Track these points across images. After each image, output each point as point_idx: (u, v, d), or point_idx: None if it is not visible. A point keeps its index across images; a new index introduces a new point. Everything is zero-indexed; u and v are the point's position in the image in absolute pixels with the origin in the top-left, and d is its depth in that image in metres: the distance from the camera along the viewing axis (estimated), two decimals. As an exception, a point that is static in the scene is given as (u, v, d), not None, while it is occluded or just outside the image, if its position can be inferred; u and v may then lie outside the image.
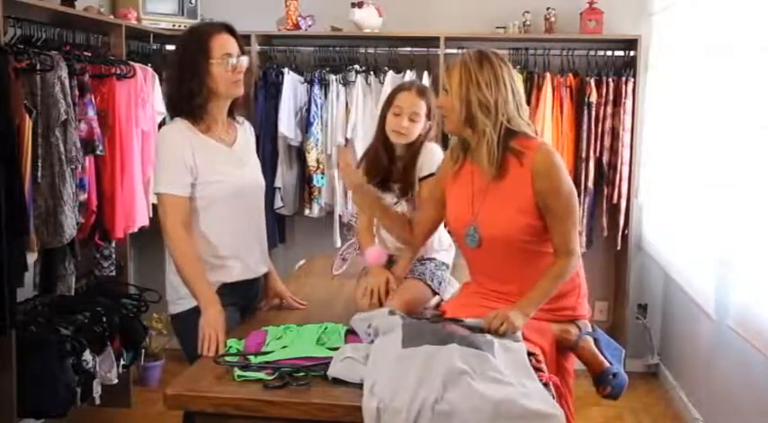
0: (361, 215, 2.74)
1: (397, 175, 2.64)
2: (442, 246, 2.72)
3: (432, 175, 2.58)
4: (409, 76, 4.24)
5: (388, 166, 2.64)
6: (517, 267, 2.27)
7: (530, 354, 1.97)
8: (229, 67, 2.34)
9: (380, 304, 2.42)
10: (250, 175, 2.49)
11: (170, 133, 2.39)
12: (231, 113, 2.49)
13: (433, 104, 2.60)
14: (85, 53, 3.41)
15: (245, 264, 2.45)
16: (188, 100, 2.34)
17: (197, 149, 2.34)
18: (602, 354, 2.38)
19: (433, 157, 2.61)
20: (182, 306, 2.40)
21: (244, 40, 4.27)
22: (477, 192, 2.29)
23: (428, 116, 2.61)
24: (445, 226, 2.57)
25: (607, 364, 2.36)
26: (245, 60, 2.40)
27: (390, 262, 2.63)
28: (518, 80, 2.29)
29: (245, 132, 2.55)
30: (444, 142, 4.17)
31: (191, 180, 2.32)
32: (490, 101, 2.19)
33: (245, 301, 2.51)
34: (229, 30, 2.41)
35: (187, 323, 2.36)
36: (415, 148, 2.61)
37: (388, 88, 4.20)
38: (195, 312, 2.32)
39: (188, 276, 2.32)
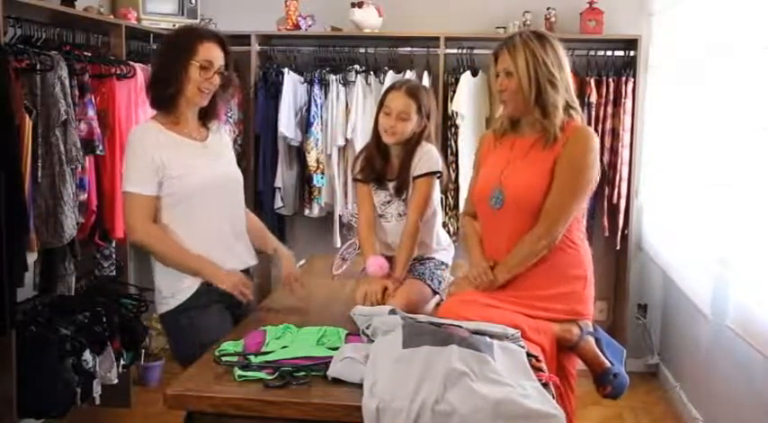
0: (359, 221, 2.73)
1: (392, 174, 2.64)
2: (441, 245, 2.72)
3: (426, 174, 2.58)
4: (409, 76, 4.23)
5: (383, 164, 2.64)
6: None
7: (530, 355, 1.97)
8: (206, 74, 2.35)
9: None
10: (223, 169, 2.50)
11: (138, 133, 2.42)
12: (204, 119, 2.50)
13: (426, 102, 2.60)
14: (85, 53, 3.41)
15: (224, 259, 2.45)
16: (162, 89, 2.38)
17: (165, 147, 2.36)
18: (604, 354, 2.38)
19: (427, 156, 2.60)
20: (166, 306, 2.42)
21: (244, 40, 4.34)
22: (514, 158, 2.37)
23: (421, 114, 2.59)
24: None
25: (608, 364, 2.37)
26: (217, 79, 2.39)
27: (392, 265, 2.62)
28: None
29: (220, 134, 2.57)
30: (443, 143, 4.19)
31: (158, 180, 2.35)
32: (557, 78, 2.29)
33: (232, 298, 2.48)
34: (222, 43, 2.42)
35: (173, 324, 2.41)
36: (410, 147, 2.60)
37: (388, 88, 4.21)
38: (179, 313, 2.38)
39: (177, 260, 2.36)
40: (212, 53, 2.37)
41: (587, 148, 2.30)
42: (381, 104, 2.61)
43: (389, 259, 2.64)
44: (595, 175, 2.34)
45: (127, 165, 2.39)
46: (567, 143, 2.29)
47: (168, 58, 2.39)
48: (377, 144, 2.64)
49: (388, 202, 2.66)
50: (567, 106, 2.33)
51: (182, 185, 2.36)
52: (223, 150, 2.55)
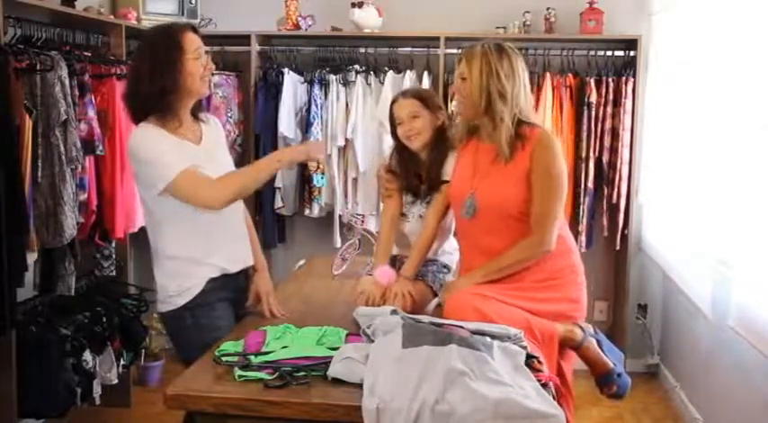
0: (384, 217, 2.71)
1: (423, 174, 2.63)
2: (446, 249, 2.72)
3: None
4: (409, 75, 4.25)
5: (414, 172, 2.63)
6: (509, 243, 2.36)
7: (532, 356, 1.97)
8: (203, 61, 2.35)
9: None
10: (221, 170, 2.45)
11: (147, 132, 2.33)
12: (194, 114, 2.48)
13: (430, 97, 2.62)
14: (85, 53, 3.42)
15: (225, 258, 2.44)
16: (159, 98, 2.31)
17: (170, 145, 2.33)
18: (605, 355, 2.40)
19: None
20: (171, 305, 2.40)
21: (243, 40, 4.34)
22: (480, 168, 2.43)
23: (430, 108, 2.59)
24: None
25: (612, 365, 2.38)
26: (211, 62, 2.41)
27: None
28: (527, 72, 2.46)
29: (212, 129, 2.53)
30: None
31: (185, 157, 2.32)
32: (507, 91, 2.34)
33: (236, 294, 2.49)
34: (195, 29, 2.42)
35: (178, 323, 2.39)
36: (437, 148, 2.59)
37: (388, 88, 4.21)
38: (185, 311, 2.36)
39: (254, 176, 2.40)
40: (197, 40, 2.36)
41: (554, 154, 2.36)
42: (392, 120, 2.63)
43: (395, 259, 2.65)
44: (566, 173, 2.40)
45: (151, 162, 2.29)
46: (534, 152, 2.34)
47: (157, 67, 2.30)
48: (403, 155, 2.64)
49: (412, 203, 2.66)
50: (520, 121, 2.36)
51: None
52: (217, 150, 2.51)
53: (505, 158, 2.36)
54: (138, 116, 2.37)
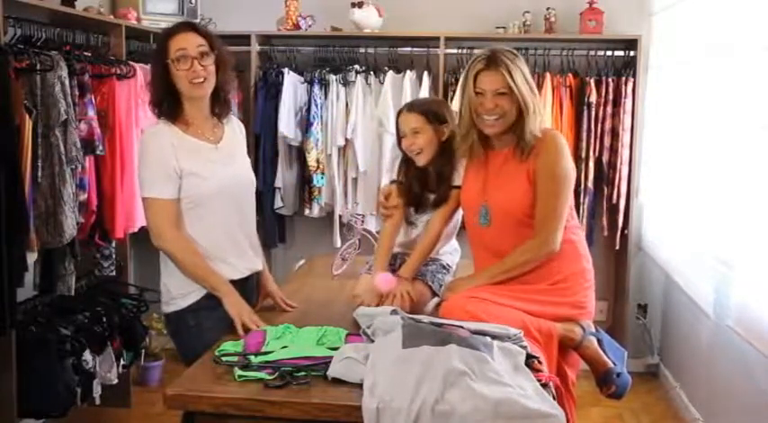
0: (386, 225, 2.70)
1: (431, 186, 2.61)
2: (447, 249, 2.72)
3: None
4: (409, 75, 4.24)
5: (422, 186, 2.62)
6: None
7: (532, 356, 1.97)
8: (185, 65, 2.30)
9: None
10: (238, 172, 2.48)
11: (152, 136, 2.37)
12: (216, 112, 2.46)
13: (436, 110, 2.58)
14: (85, 53, 3.42)
15: (238, 262, 2.45)
16: (163, 101, 2.36)
17: (180, 149, 2.32)
18: (606, 354, 2.40)
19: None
20: (174, 306, 2.40)
21: (243, 40, 4.34)
22: (491, 174, 2.42)
23: (434, 124, 2.55)
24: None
25: (611, 364, 2.38)
26: (199, 64, 2.31)
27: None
28: None
29: (233, 129, 2.54)
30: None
31: (177, 182, 2.31)
32: (537, 103, 2.35)
33: (244, 299, 2.51)
34: (193, 27, 2.38)
35: (180, 324, 2.40)
36: (445, 158, 2.57)
37: (388, 88, 4.20)
38: (188, 313, 2.36)
39: (197, 272, 2.34)
40: (182, 42, 2.32)
41: (559, 154, 2.34)
42: (398, 130, 2.62)
43: (395, 257, 2.66)
44: (572, 171, 2.39)
45: (143, 169, 2.34)
46: (540, 152, 2.33)
47: (153, 74, 2.40)
48: (409, 168, 2.62)
49: (423, 211, 2.65)
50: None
51: (197, 190, 2.33)
52: (236, 150, 2.52)
53: (522, 159, 2.34)
54: (159, 117, 2.42)
